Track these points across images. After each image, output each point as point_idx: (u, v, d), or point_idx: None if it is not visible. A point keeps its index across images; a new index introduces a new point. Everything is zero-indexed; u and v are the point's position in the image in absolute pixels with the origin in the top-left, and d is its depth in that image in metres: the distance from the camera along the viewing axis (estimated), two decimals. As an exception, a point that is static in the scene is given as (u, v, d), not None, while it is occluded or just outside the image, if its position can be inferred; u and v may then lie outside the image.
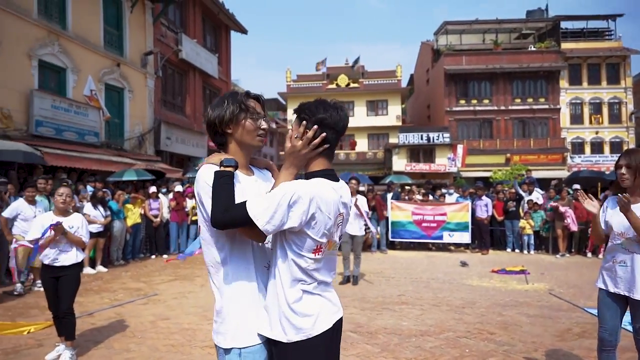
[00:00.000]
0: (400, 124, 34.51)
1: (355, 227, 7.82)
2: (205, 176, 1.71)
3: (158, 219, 10.90)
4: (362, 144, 35.34)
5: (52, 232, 4.07)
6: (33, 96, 10.75)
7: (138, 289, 7.40)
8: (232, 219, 1.60)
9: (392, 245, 12.45)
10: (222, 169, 1.69)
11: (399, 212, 12.04)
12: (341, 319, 1.80)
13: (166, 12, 17.23)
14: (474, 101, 31.48)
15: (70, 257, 4.18)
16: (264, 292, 1.76)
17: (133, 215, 10.15)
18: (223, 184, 1.64)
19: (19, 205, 7.12)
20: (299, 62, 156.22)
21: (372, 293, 7.11)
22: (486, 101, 31.38)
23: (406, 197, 12.80)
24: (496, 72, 30.52)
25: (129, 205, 10.11)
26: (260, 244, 1.78)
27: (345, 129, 1.82)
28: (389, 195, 12.61)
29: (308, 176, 1.75)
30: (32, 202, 7.24)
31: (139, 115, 15.54)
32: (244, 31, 23.85)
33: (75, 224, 4.24)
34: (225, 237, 1.74)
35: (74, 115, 11.94)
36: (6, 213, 7.10)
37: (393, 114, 35.17)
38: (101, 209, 9.01)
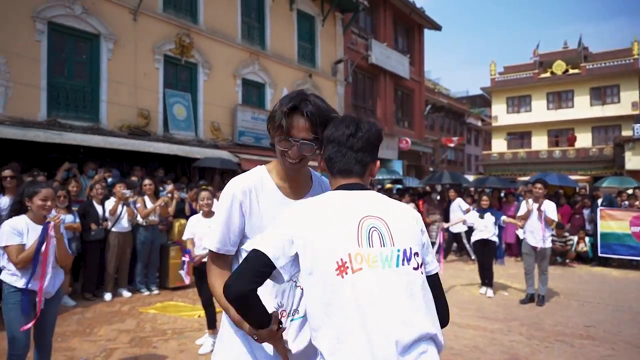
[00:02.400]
0: (637, 112, 28.19)
1: (538, 238, 6.64)
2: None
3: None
4: (583, 139, 30.15)
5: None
6: (237, 110, 12.48)
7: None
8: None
9: (604, 262, 10.15)
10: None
11: (612, 221, 9.68)
12: None
13: (357, 19, 17.88)
14: None
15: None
16: None
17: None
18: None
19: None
20: (508, 53, 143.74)
21: (550, 319, 5.87)
22: None
23: (625, 203, 10.27)
24: None
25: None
26: None
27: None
28: (598, 201, 10.29)
29: None
30: None
31: (330, 121, 16.48)
32: (437, 28, 23.09)
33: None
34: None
35: (270, 125, 13.40)
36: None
37: (627, 101, 28.97)
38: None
